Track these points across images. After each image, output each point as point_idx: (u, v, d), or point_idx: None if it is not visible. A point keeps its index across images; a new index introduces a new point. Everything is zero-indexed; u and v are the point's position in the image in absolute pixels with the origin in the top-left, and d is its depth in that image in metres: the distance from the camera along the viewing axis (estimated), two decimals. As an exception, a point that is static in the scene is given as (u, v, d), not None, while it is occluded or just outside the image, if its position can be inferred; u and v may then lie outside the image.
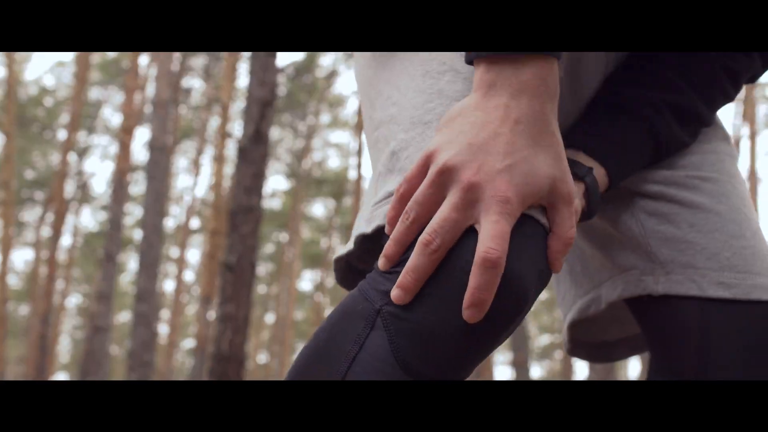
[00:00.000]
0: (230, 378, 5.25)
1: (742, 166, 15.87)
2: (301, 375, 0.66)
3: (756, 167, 14.60)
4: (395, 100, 0.76)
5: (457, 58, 0.74)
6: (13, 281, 25.35)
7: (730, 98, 0.88)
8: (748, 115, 14.79)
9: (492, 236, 0.59)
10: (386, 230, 0.67)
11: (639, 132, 0.81)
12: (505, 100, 0.63)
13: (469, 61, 0.67)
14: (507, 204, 0.60)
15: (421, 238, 0.62)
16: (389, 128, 0.75)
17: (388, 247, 0.65)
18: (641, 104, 0.82)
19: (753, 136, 14.75)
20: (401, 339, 0.62)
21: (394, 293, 0.62)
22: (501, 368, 29.04)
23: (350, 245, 0.76)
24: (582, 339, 0.98)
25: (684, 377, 0.80)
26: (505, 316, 0.62)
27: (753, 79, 0.90)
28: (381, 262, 0.65)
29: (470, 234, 0.62)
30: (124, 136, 10.88)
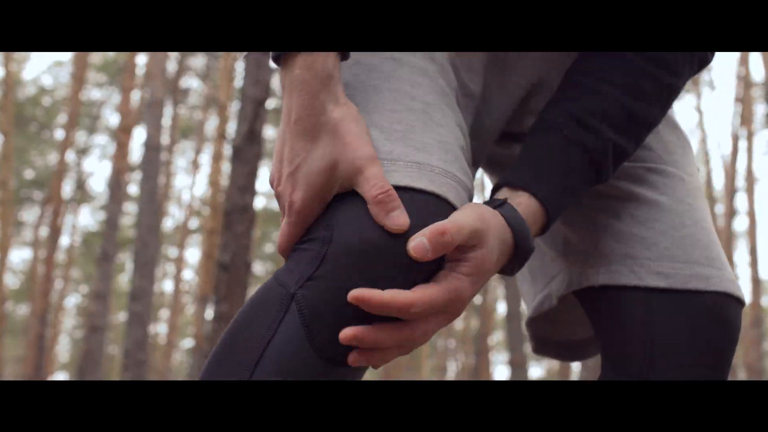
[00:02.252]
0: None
1: (740, 165, 15.89)
2: (218, 362, 0.66)
3: (753, 167, 14.60)
4: None
5: None
6: (12, 281, 25.37)
7: (671, 86, 0.81)
8: (746, 115, 14.79)
9: (280, 235, 0.69)
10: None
11: (565, 150, 0.76)
12: (286, 101, 0.67)
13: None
14: (291, 207, 0.67)
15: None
16: None
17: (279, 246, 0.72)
18: (563, 121, 0.77)
19: (750, 137, 14.75)
20: (314, 322, 0.63)
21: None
22: (500, 368, 29.04)
23: None
24: (550, 338, 0.98)
25: (630, 371, 0.80)
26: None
27: (705, 60, 0.85)
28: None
29: (364, 220, 0.64)
30: (121, 135, 10.88)
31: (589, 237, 0.84)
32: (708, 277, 0.80)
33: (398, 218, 0.63)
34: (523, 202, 0.73)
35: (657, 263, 0.80)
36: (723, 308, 0.80)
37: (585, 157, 0.76)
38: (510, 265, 0.72)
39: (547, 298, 0.91)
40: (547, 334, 0.97)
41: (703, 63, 0.85)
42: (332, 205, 0.67)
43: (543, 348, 0.98)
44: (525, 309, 0.99)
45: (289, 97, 0.66)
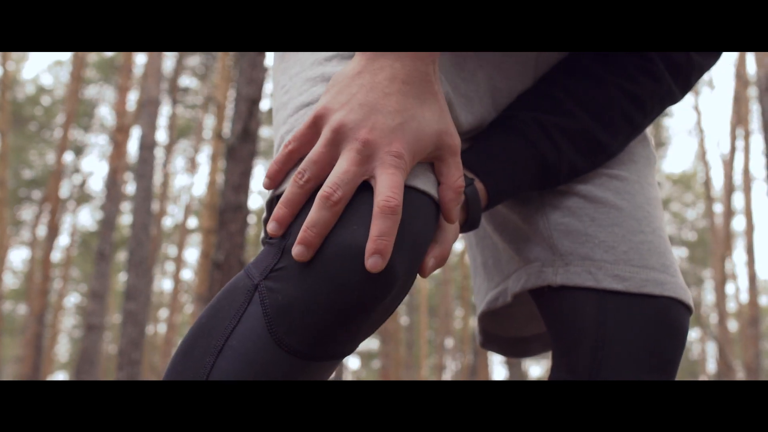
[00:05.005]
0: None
1: (738, 164, 15.87)
2: (185, 351, 0.67)
3: (750, 166, 14.59)
4: (287, 88, 0.78)
5: None
6: (12, 281, 25.36)
7: (635, 123, 0.86)
8: (743, 114, 14.78)
9: (390, 186, 0.63)
10: (264, 184, 0.69)
11: (524, 153, 0.81)
12: (390, 61, 0.66)
13: None
14: (400, 159, 0.64)
15: (321, 193, 0.63)
16: (281, 114, 0.77)
17: (279, 209, 0.65)
18: (530, 126, 0.82)
19: (747, 136, 14.74)
20: (274, 313, 0.63)
21: (296, 250, 0.63)
22: (498, 367, 29.02)
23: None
24: (497, 333, 0.98)
25: (579, 372, 0.81)
26: (370, 294, 0.63)
27: (671, 100, 0.89)
28: (271, 227, 0.66)
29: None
30: (118, 135, 10.88)
31: (546, 236, 0.86)
32: (663, 282, 0.82)
33: (457, 214, 0.69)
34: (479, 187, 0.79)
35: (614, 266, 0.82)
36: (673, 313, 0.82)
37: (540, 166, 0.81)
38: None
39: (502, 295, 0.92)
40: (495, 329, 0.98)
41: (672, 102, 0.89)
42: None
43: (489, 343, 0.99)
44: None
45: (395, 57, 0.66)
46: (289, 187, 0.66)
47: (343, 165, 0.64)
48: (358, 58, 0.68)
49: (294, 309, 0.63)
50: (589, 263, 0.82)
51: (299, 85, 0.76)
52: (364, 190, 0.65)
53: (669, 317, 0.81)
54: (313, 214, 0.63)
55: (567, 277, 0.83)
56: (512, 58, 0.85)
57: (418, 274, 0.70)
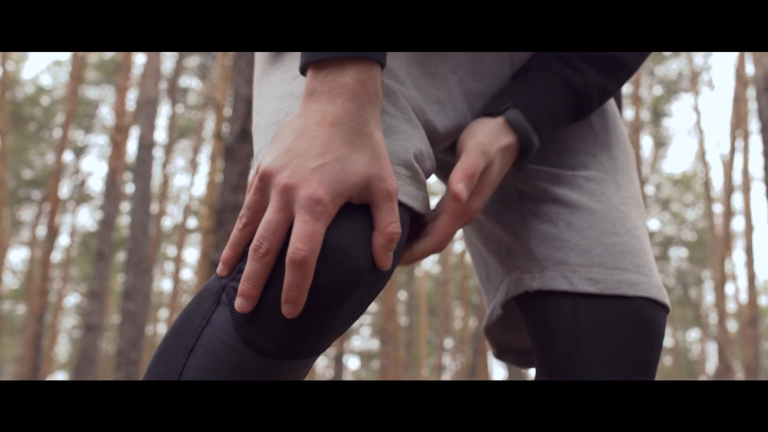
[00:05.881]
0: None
1: (737, 164, 15.87)
2: (159, 353, 0.68)
3: (749, 167, 14.59)
4: (260, 109, 0.79)
5: None
6: (11, 281, 25.37)
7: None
8: (742, 114, 14.78)
9: (300, 236, 0.62)
10: (219, 271, 0.69)
11: (551, 83, 0.84)
12: (323, 105, 0.66)
13: (302, 71, 0.69)
14: (318, 203, 0.62)
15: (251, 245, 0.64)
16: (255, 137, 0.78)
17: (225, 252, 0.67)
18: (551, 61, 0.86)
19: (746, 136, 14.74)
20: (239, 312, 0.65)
21: (238, 303, 0.64)
22: (498, 368, 28.98)
23: None
24: (510, 345, 1.00)
25: (557, 375, 0.82)
26: (334, 292, 0.64)
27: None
28: (219, 269, 0.68)
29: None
30: (117, 135, 10.88)
31: (525, 244, 0.87)
32: (636, 283, 0.83)
33: (389, 260, 0.67)
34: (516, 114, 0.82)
35: (588, 269, 0.83)
36: (648, 313, 0.83)
37: (571, 94, 0.84)
38: (518, 162, 0.83)
39: (495, 308, 0.93)
40: (507, 341, 0.99)
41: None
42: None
43: (503, 354, 1.00)
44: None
45: (328, 100, 0.66)
46: (233, 230, 0.67)
47: (268, 214, 0.64)
48: (302, 101, 0.68)
49: (260, 308, 0.64)
50: (564, 268, 0.84)
51: (269, 103, 0.77)
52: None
53: (644, 318, 0.82)
54: (248, 266, 0.64)
55: (543, 282, 0.84)
56: (486, 60, 0.86)
57: (401, 264, 0.73)
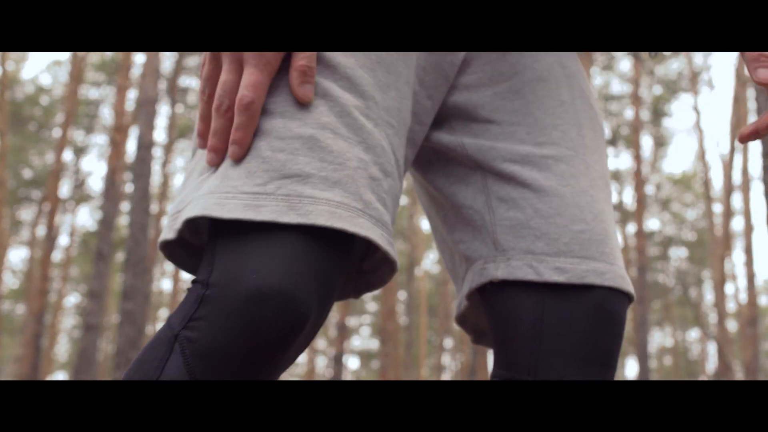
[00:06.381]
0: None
1: (737, 164, 15.86)
2: None
3: (749, 167, 14.59)
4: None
5: None
6: (12, 281, 25.38)
7: None
8: (742, 114, 14.79)
9: (247, 85, 0.68)
10: (198, 144, 0.75)
11: None
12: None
13: None
14: (262, 57, 0.69)
15: (213, 106, 0.71)
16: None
17: (198, 125, 0.74)
18: None
19: (746, 135, 14.71)
20: (194, 361, 0.65)
21: (209, 157, 0.70)
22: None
23: (170, 233, 0.73)
24: (485, 328, 0.98)
25: (519, 369, 0.81)
26: (285, 330, 0.65)
27: None
28: (198, 143, 0.74)
29: (245, 264, 0.66)
30: (116, 134, 10.89)
31: (492, 232, 0.86)
32: (603, 272, 0.82)
33: (306, 91, 0.70)
34: None
35: (555, 259, 0.82)
36: (611, 305, 0.82)
37: None
38: None
39: (462, 300, 0.92)
40: (482, 325, 0.98)
41: None
42: (214, 244, 0.68)
43: (480, 339, 0.99)
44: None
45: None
46: (213, 120, 0.72)
47: (222, 77, 0.71)
48: None
49: (213, 355, 0.64)
50: (530, 257, 0.83)
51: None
52: (261, 232, 0.66)
53: (607, 309, 0.82)
54: (213, 123, 0.71)
55: (509, 272, 0.83)
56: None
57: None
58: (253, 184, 0.66)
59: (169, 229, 0.71)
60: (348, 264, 0.70)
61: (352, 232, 0.66)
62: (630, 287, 0.84)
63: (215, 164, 0.70)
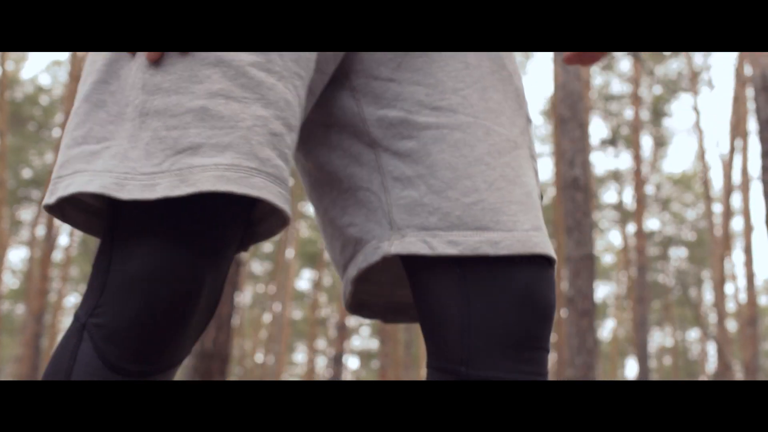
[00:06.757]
0: (213, 376, 5.26)
1: (737, 164, 15.83)
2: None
3: (748, 166, 14.59)
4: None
5: None
6: (10, 280, 25.38)
7: None
8: (742, 114, 14.79)
9: None
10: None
11: None
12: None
13: None
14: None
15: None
16: None
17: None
18: None
19: (746, 137, 14.74)
20: (104, 344, 0.70)
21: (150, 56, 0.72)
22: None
23: (51, 198, 0.74)
24: (368, 299, 0.97)
25: (451, 359, 0.80)
26: (173, 309, 0.70)
27: None
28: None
29: (143, 249, 0.71)
30: (116, 134, 10.87)
31: (387, 212, 0.84)
32: (496, 241, 0.79)
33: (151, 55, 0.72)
34: None
35: (448, 233, 0.80)
36: (534, 285, 0.80)
37: None
38: None
39: (346, 285, 0.91)
40: (366, 295, 0.96)
41: None
42: (112, 228, 0.72)
43: (394, 316, 0.98)
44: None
45: None
46: None
47: None
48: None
49: (119, 336, 0.70)
50: (424, 233, 0.81)
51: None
52: (158, 210, 0.70)
53: (531, 291, 0.80)
54: None
55: (402, 247, 0.81)
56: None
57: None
58: (151, 165, 0.69)
59: (50, 194, 0.73)
60: (247, 218, 0.74)
61: (242, 194, 0.68)
62: (538, 247, 0.81)
63: (155, 60, 0.71)
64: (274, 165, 0.71)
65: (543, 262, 0.82)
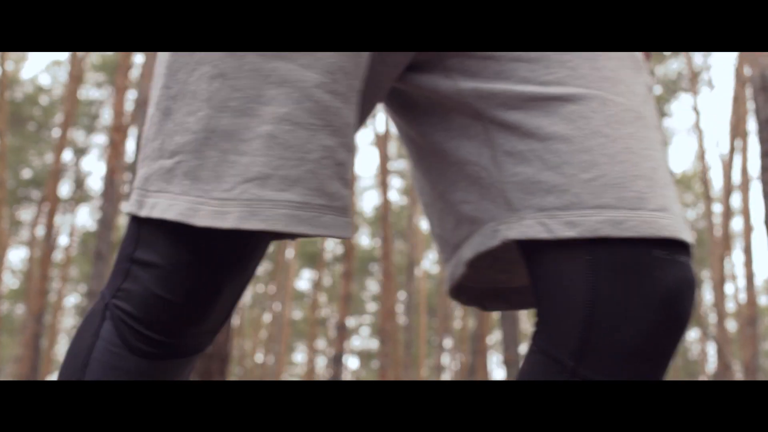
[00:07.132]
0: (213, 376, 5.27)
1: (736, 164, 15.83)
2: (61, 373, 0.77)
3: (748, 166, 14.59)
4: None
5: None
6: (10, 280, 25.37)
7: None
8: (742, 115, 14.79)
9: None
10: None
11: None
12: None
13: None
14: None
15: None
16: None
17: None
18: None
19: (745, 136, 14.74)
20: (124, 326, 0.75)
21: None
22: (497, 368, 29.00)
23: (139, 208, 0.76)
24: (465, 284, 0.90)
25: (564, 351, 0.73)
26: (185, 300, 0.74)
27: None
28: None
29: (164, 241, 0.74)
30: (115, 134, 10.88)
31: (501, 191, 0.78)
32: (620, 221, 0.71)
33: None
34: None
35: (566, 213, 0.73)
36: (671, 277, 0.71)
37: None
38: None
39: (457, 267, 0.85)
40: (489, 287, 0.90)
41: None
42: (139, 226, 0.75)
43: (493, 302, 0.91)
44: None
45: None
46: None
47: None
48: None
49: (137, 321, 0.74)
50: (541, 214, 0.74)
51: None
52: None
53: (669, 290, 0.71)
54: None
55: (521, 231, 0.75)
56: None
57: None
58: (222, 190, 0.69)
59: (138, 205, 0.75)
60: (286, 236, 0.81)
61: (315, 235, 0.70)
62: (674, 232, 0.72)
63: None
64: (341, 197, 0.72)
65: (681, 251, 0.72)
